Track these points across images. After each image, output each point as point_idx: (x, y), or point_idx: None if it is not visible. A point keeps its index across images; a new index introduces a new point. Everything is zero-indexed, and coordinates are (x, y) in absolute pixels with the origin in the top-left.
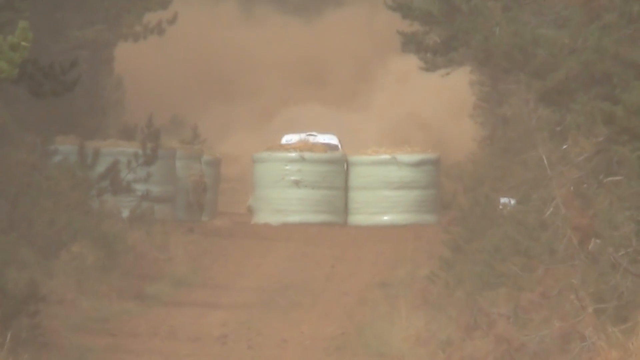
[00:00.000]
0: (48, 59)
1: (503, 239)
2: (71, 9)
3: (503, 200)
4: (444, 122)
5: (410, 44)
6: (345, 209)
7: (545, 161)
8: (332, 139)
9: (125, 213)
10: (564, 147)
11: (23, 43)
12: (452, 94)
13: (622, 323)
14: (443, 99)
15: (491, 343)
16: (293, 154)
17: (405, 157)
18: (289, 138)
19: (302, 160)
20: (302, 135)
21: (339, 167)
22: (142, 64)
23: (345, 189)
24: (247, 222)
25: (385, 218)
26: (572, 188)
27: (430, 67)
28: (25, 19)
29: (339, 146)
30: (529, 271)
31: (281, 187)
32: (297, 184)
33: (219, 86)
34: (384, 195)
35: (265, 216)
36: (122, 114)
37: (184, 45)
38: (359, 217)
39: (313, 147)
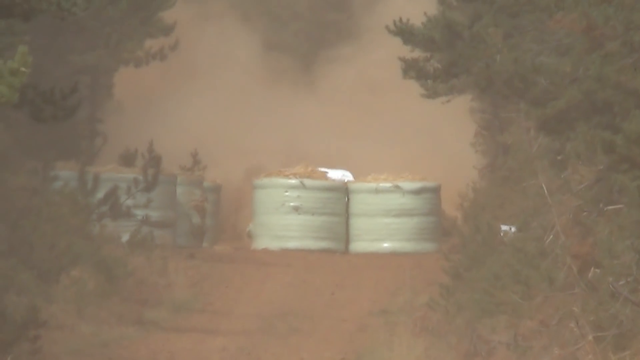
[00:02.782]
0: (49, 84)
1: (503, 266)
2: (72, 34)
3: (504, 228)
4: (445, 150)
5: (411, 70)
6: (345, 236)
7: (545, 189)
8: (345, 175)
9: (126, 238)
10: (564, 175)
11: (22, 68)
12: (452, 121)
13: (621, 351)
14: (444, 126)
15: None
16: (293, 181)
17: (405, 184)
18: None
19: (302, 186)
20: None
21: (339, 194)
22: (144, 89)
23: (346, 215)
24: (247, 248)
25: (386, 245)
26: (572, 216)
27: (431, 94)
28: (25, 44)
29: None
30: (528, 299)
31: (281, 214)
32: (297, 210)
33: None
34: (385, 222)
35: (265, 242)
36: (123, 139)
37: (186, 71)
38: (360, 244)
39: (312, 173)
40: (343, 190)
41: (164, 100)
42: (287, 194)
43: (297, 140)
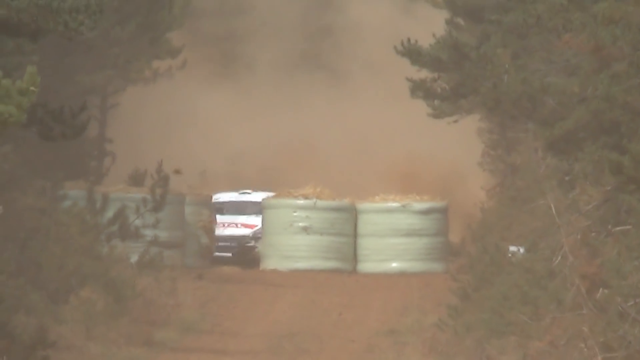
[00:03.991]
0: (58, 103)
1: (511, 287)
2: (81, 54)
3: (512, 248)
4: (453, 170)
5: (419, 90)
6: (354, 256)
7: (554, 210)
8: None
9: (134, 258)
10: (572, 195)
11: (31, 88)
12: (460, 141)
13: None
14: (451, 146)
15: None
16: (302, 201)
17: (413, 204)
18: (218, 197)
19: (311, 207)
20: (234, 194)
21: (347, 214)
22: (152, 108)
23: (354, 235)
24: (255, 268)
25: (394, 265)
26: (580, 237)
27: (438, 113)
28: (34, 64)
29: None
30: (537, 320)
31: (290, 234)
32: (305, 230)
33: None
34: (392, 242)
35: (273, 262)
36: (133, 159)
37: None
38: (368, 265)
39: (321, 194)
40: (351, 211)
41: (172, 120)
42: (295, 214)
43: (311, 162)
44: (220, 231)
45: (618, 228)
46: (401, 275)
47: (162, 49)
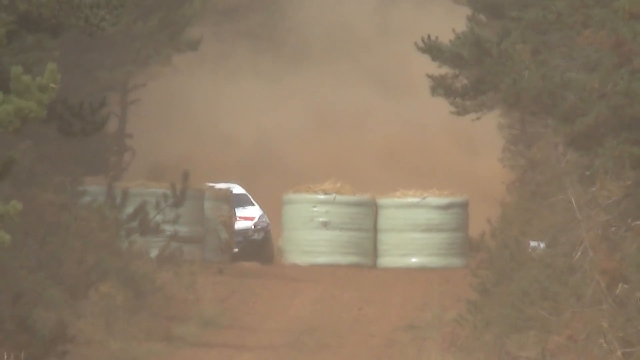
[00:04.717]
0: (78, 99)
1: (531, 282)
2: (101, 49)
3: (532, 243)
4: (473, 165)
5: (440, 87)
6: (374, 251)
7: (574, 204)
8: (236, 188)
9: (154, 253)
10: (592, 190)
11: (52, 84)
12: (481, 136)
13: None
14: (472, 142)
15: None
16: (322, 196)
17: (433, 199)
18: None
19: (331, 202)
20: (223, 186)
21: (367, 209)
22: (171, 104)
23: (374, 230)
24: (275, 263)
25: (414, 260)
26: (600, 232)
27: (460, 111)
28: (54, 60)
29: (248, 195)
30: (556, 315)
31: (309, 229)
32: (325, 225)
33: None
34: (412, 237)
35: (293, 257)
36: (153, 154)
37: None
38: (388, 259)
39: (341, 189)
40: (371, 206)
41: (192, 114)
42: (315, 209)
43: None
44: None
45: (638, 222)
46: (421, 270)
47: (182, 42)
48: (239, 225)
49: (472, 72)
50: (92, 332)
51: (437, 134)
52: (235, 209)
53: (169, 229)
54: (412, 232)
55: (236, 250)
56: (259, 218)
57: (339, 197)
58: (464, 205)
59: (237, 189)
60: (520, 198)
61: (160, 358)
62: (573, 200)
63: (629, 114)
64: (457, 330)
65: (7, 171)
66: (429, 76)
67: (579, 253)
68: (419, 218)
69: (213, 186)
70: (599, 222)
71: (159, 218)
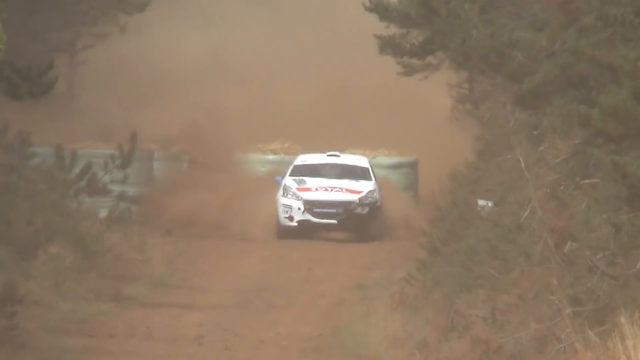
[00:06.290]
0: (25, 61)
1: (480, 241)
2: (48, 11)
3: (481, 202)
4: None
5: (388, 47)
6: None
7: (522, 164)
8: (359, 161)
9: (103, 214)
10: (541, 149)
11: None
12: (429, 95)
13: (598, 325)
14: (420, 100)
15: (468, 345)
16: (270, 156)
17: (382, 159)
18: (304, 159)
19: (280, 161)
20: (322, 156)
21: None
22: (119, 64)
23: None
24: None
25: None
26: (548, 190)
27: (408, 71)
28: (0, 22)
29: (370, 169)
30: (505, 273)
31: None
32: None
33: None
34: None
35: None
36: (100, 115)
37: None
38: None
39: (289, 148)
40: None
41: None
42: (264, 169)
43: (278, 117)
44: (315, 195)
45: (586, 181)
46: None
47: (129, 3)
48: (335, 196)
49: (420, 32)
50: (41, 293)
51: (386, 93)
52: (342, 180)
53: (117, 189)
54: None
55: (334, 221)
56: (367, 193)
57: (287, 157)
58: (413, 165)
59: (363, 162)
60: (469, 157)
61: (110, 318)
62: (521, 159)
63: (577, 72)
64: (406, 289)
65: None
66: (377, 36)
67: (527, 212)
68: None
69: (337, 155)
70: (547, 181)
71: (107, 179)
